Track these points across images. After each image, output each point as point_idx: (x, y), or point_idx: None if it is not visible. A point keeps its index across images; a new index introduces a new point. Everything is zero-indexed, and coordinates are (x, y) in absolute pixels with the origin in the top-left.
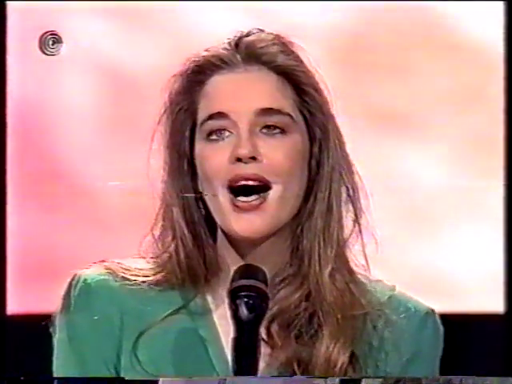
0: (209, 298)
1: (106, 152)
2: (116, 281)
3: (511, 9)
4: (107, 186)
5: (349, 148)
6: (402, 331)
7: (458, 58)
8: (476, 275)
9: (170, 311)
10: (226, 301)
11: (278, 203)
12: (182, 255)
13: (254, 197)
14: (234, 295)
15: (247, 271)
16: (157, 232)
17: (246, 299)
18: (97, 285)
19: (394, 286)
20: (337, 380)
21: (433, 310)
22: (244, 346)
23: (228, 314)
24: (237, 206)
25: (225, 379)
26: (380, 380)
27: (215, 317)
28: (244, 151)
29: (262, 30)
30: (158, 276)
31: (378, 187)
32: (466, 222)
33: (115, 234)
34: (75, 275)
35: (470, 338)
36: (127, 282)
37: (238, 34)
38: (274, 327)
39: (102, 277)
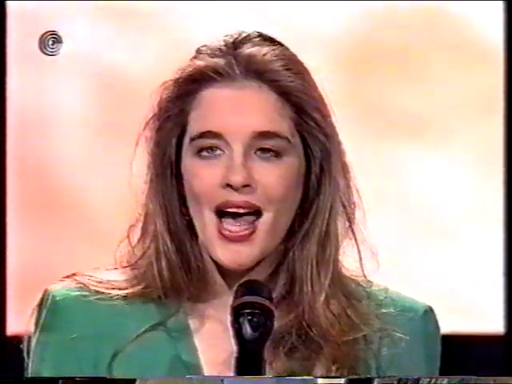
0: (190, 317)
1: (107, 154)
2: (87, 296)
3: (511, 8)
4: (108, 197)
5: (356, 156)
6: (404, 347)
7: (469, 60)
8: (476, 295)
9: (146, 326)
10: (229, 319)
11: (267, 232)
12: (164, 268)
13: (242, 226)
14: (236, 313)
15: (251, 287)
16: (136, 241)
17: (249, 317)
18: (65, 303)
19: (386, 287)
20: (343, 380)
21: (431, 308)
22: (248, 367)
23: (210, 334)
24: (224, 236)
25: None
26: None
27: (196, 340)
28: (237, 178)
29: (261, 35)
30: (136, 289)
31: (381, 198)
32: (467, 242)
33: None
34: (45, 292)
35: (469, 359)
36: (100, 295)
37: (236, 36)
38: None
39: (72, 293)
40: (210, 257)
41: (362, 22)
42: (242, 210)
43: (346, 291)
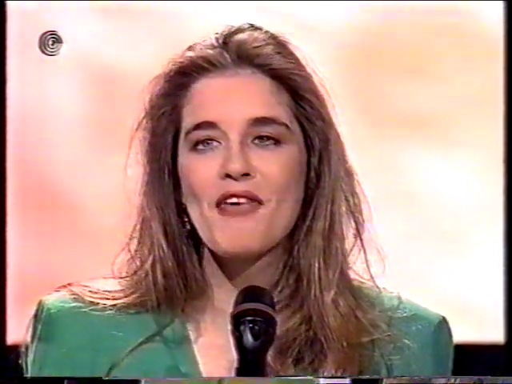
0: (188, 326)
1: (108, 155)
2: (82, 307)
3: (511, 8)
4: (110, 201)
5: (361, 156)
6: (414, 355)
7: (481, 58)
8: (476, 305)
9: (142, 339)
10: (229, 327)
11: (272, 215)
12: (159, 275)
13: (245, 203)
14: (237, 320)
15: (252, 293)
16: (133, 248)
17: (250, 325)
18: (60, 315)
19: (399, 295)
20: (348, 380)
21: (444, 318)
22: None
23: (210, 343)
24: (225, 216)
25: None
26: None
27: (196, 350)
28: (235, 167)
29: (253, 26)
30: (131, 298)
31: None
32: (467, 253)
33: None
34: (40, 303)
35: (469, 369)
36: (95, 306)
37: (227, 30)
38: (269, 353)
39: (67, 304)
40: (213, 257)
41: (366, 18)
42: (242, 200)
43: (355, 292)
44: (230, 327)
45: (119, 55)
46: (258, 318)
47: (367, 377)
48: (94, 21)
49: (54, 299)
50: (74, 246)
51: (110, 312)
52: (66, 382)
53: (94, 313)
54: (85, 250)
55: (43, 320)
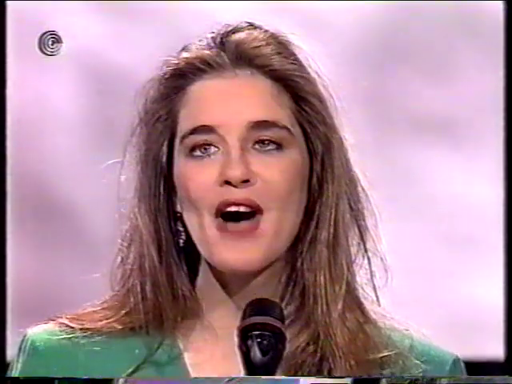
0: (180, 346)
1: (107, 156)
2: (70, 338)
3: (511, 8)
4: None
5: (368, 159)
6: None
7: (481, 58)
8: (476, 321)
9: (134, 366)
10: (236, 341)
11: (273, 229)
12: (148, 291)
13: (245, 223)
14: (244, 335)
15: (260, 306)
16: (123, 259)
17: (259, 339)
18: (46, 348)
19: (408, 330)
20: (349, 380)
21: (458, 357)
22: None
23: (204, 362)
24: (225, 233)
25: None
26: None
27: (190, 370)
28: (235, 173)
29: (252, 25)
30: (119, 316)
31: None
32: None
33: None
34: (24, 336)
35: None
36: (84, 333)
37: (224, 29)
38: (278, 374)
39: (54, 337)
40: (211, 270)
41: (392, 15)
42: (242, 209)
43: (362, 306)
44: (236, 341)
45: (119, 55)
46: (267, 332)
47: (368, 377)
48: (94, 21)
49: (40, 332)
50: (73, 258)
51: (98, 338)
52: (56, 382)
53: (82, 341)
54: (85, 262)
55: (27, 354)
